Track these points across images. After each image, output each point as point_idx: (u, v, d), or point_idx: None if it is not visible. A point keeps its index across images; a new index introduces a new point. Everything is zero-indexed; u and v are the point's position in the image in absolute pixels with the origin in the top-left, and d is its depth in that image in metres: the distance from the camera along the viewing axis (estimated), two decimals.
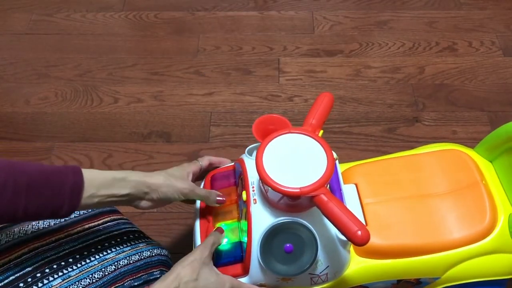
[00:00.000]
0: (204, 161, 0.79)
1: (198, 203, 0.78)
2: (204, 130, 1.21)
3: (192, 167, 0.75)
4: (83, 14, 1.49)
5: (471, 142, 1.15)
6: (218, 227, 0.72)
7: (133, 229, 0.79)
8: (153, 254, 0.76)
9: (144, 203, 0.68)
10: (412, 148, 1.15)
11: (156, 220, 1.05)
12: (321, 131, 0.65)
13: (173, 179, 0.69)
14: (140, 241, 0.77)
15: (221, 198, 0.73)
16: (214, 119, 1.23)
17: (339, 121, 1.22)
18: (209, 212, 0.75)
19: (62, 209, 0.58)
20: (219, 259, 0.69)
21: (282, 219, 0.62)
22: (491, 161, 0.81)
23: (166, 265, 0.78)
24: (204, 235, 0.74)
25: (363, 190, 0.77)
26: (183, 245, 1.01)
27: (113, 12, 1.50)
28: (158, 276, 0.74)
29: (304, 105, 1.25)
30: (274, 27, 1.44)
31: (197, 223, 0.76)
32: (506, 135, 0.75)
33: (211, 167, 0.81)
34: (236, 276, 0.68)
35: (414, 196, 0.75)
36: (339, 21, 1.46)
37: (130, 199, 0.67)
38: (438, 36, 1.41)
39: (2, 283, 0.63)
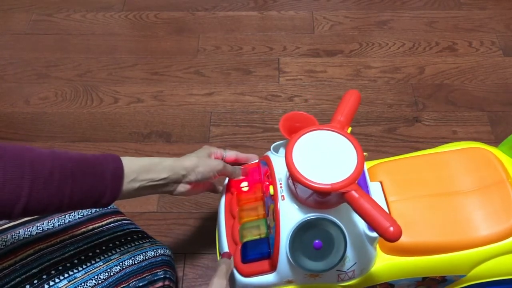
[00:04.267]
0: (230, 155, 0.79)
1: (222, 200, 0.78)
2: (204, 130, 1.21)
3: (214, 150, 0.76)
4: (83, 14, 1.49)
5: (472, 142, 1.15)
6: (224, 252, 0.71)
7: (136, 229, 0.79)
8: (157, 254, 0.76)
9: (181, 187, 0.68)
10: (413, 148, 1.16)
11: (156, 220, 1.05)
12: (350, 128, 0.65)
13: (205, 159, 0.71)
14: (144, 241, 0.77)
15: (244, 169, 0.76)
16: (214, 119, 1.23)
17: None
18: (233, 210, 0.75)
19: (104, 196, 0.58)
20: (246, 255, 0.69)
21: (311, 215, 0.62)
22: None
23: (169, 265, 0.78)
24: (230, 232, 0.73)
25: (388, 188, 0.76)
26: (183, 245, 1.01)
27: (113, 12, 1.50)
28: (161, 276, 0.74)
29: (304, 105, 1.25)
30: (274, 27, 1.44)
31: (222, 220, 0.75)
32: None
33: (236, 163, 0.80)
34: (263, 272, 0.68)
35: (438, 194, 0.75)
36: (339, 21, 1.46)
37: (168, 183, 0.67)
38: (438, 36, 1.41)
39: (9, 285, 0.63)
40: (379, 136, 1.19)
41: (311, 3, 1.51)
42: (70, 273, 0.67)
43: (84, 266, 0.69)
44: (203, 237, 1.02)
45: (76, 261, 0.69)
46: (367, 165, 0.81)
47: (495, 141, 1.17)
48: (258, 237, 0.70)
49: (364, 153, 0.60)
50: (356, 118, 1.22)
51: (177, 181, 0.68)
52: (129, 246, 0.74)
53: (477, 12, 1.48)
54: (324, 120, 1.21)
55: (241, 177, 0.76)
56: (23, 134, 1.21)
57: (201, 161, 0.69)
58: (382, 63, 1.35)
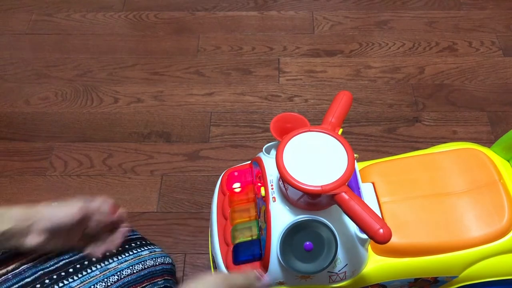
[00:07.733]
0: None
1: (214, 201, 0.78)
2: (204, 130, 1.21)
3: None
4: (83, 14, 1.49)
5: (471, 142, 1.15)
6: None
7: (134, 236, 0.77)
8: (157, 264, 0.74)
9: (30, 239, 0.60)
10: (413, 148, 1.16)
11: (156, 220, 1.05)
12: (341, 130, 0.65)
13: (60, 203, 0.63)
14: (142, 248, 0.75)
15: (113, 205, 0.67)
16: (214, 119, 1.23)
17: None
18: (225, 211, 0.75)
19: None
20: (237, 257, 0.69)
21: (302, 217, 0.62)
22: (508, 160, 0.80)
23: (170, 273, 0.76)
24: (222, 233, 0.73)
25: (380, 189, 0.76)
26: (183, 245, 1.01)
27: (113, 12, 1.50)
28: (162, 286, 0.73)
29: (304, 105, 1.25)
30: (274, 27, 1.44)
31: (214, 221, 0.75)
32: None
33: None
34: None
35: (431, 195, 0.75)
36: (339, 21, 1.46)
37: (12, 235, 0.59)
38: (438, 36, 1.41)
39: None
40: (379, 136, 1.19)
41: (311, 3, 1.51)
42: (65, 282, 0.66)
43: (79, 275, 0.67)
44: (203, 237, 1.02)
45: (71, 270, 0.67)
46: (359, 166, 0.81)
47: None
48: (250, 238, 0.70)
49: (355, 155, 0.60)
50: (356, 118, 1.22)
51: (23, 233, 0.60)
52: (126, 255, 0.72)
53: (477, 12, 1.48)
54: None
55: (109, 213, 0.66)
56: (23, 134, 1.21)
57: (53, 206, 0.61)
58: (382, 63, 1.35)
